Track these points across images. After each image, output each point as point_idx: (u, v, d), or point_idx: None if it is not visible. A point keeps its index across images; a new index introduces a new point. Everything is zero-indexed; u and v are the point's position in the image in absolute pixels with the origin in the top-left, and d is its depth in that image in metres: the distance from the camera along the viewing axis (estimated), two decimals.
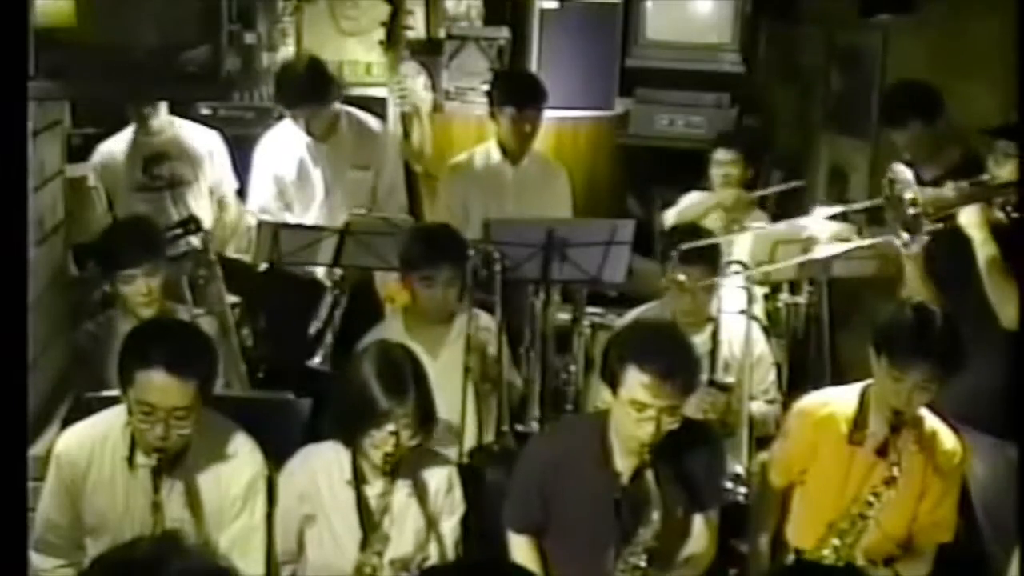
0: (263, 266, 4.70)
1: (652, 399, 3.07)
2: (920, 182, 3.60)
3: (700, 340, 3.99)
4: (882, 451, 3.29)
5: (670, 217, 5.26)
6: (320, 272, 4.69)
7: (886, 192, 3.51)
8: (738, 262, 4.22)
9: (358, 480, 3.23)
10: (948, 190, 3.54)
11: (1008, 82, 4.06)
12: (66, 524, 3.20)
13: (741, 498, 3.78)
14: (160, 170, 5.12)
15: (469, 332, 3.95)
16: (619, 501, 3.12)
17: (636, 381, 3.08)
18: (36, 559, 3.19)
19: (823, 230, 4.34)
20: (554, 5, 6.41)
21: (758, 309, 4.56)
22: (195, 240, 4.33)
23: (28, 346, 3.12)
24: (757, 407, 4.12)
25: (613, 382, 3.16)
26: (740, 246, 4.50)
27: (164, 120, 5.15)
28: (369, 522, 3.20)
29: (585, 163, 6.40)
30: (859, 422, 3.39)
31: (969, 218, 3.56)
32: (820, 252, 4.20)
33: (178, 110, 5.25)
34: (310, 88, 4.87)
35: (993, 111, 4.14)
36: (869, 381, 3.41)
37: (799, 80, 6.43)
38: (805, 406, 3.56)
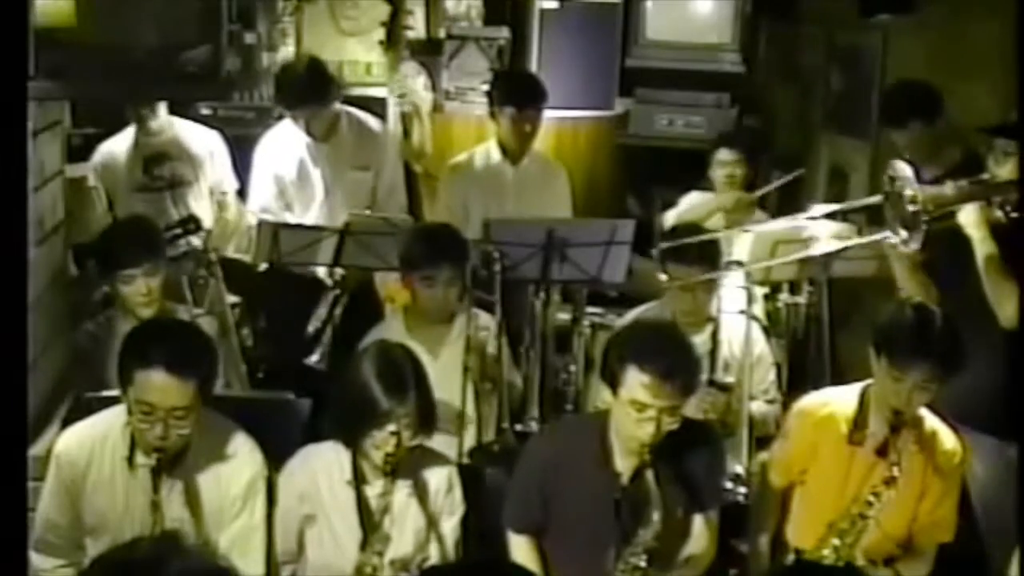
0: (263, 266, 4.71)
1: (652, 399, 3.07)
2: (920, 182, 3.60)
3: (700, 340, 3.99)
4: (882, 451, 3.29)
5: (670, 218, 5.26)
6: (321, 272, 4.69)
7: (886, 188, 3.50)
8: (737, 262, 4.22)
9: (358, 480, 3.23)
10: (948, 188, 3.54)
11: (1008, 82, 4.06)
12: (66, 524, 3.20)
13: (741, 498, 3.78)
14: (161, 170, 5.12)
15: (469, 332, 3.95)
16: (619, 501, 3.11)
17: (636, 381, 3.08)
18: (36, 559, 3.19)
19: (823, 230, 4.34)
20: (554, 5, 6.41)
21: (758, 309, 4.57)
22: (195, 240, 4.33)
23: (28, 346, 3.12)
24: (757, 407, 4.12)
25: (613, 382, 3.16)
26: (740, 246, 4.51)
27: (164, 120, 5.15)
28: (369, 522, 3.20)
29: (585, 163, 6.40)
30: (859, 422, 3.39)
31: (968, 217, 3.56)
32: (818, 248, 4.20)
33: (178, 110, 5.25)
34: (310, 88, 4.87)
35: (993, 111, 4.14)
36: (869, 381, 3.41)
37: (799, 80, 6.43)
38: (805, 406, 3.56)
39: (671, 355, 3.12)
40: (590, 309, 4.79)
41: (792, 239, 4.30)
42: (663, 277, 4.16)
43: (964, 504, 3.57)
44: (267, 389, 4.33)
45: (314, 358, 4.33)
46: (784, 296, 4.73)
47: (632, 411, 3.10)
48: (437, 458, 3.36)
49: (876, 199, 3.67)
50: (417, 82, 6.15)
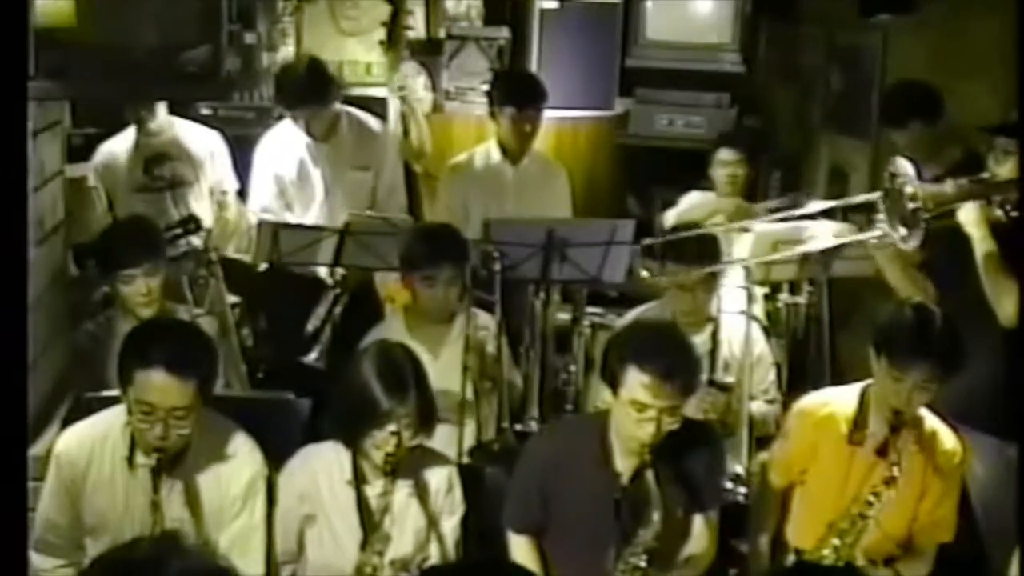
0: (263, 266, 4.71)
1: (652, 399, 3.07)
2: (920, 181, 3.60)
3: (700, 340, 3.99)
4: (882, 451, 3.29)
5: (670, 218, 5.26)
6: (322, 272, 4.70)
7: (886, 185, 3.50)
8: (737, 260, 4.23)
9: (358, 480, 3.23)
10: (948, 186, 3.54)
11: (1008, 81, 4.06)
12: (66, 524, 3.20)
13: (741, 498, 3.78)
14: (161, 171, 5.12)
15: (469, 332, 3.95)
16: (619, 501, 3.11)
17: (636, 381, 3.08)
18: (36, 559, 3.19)
19: (824, 231, 4.34)
20: (554, 5, 6.41)
21: (758, 309, 4.57)
22: (195, 240, 4.33)
23: (28, 346, 3.12)
24: (757, 407, 4.12)
25: (613, 382, 3.16)
26: (740, 247, 4.51)
27: (164, 120, 5.14)
28: (369, 522, 3.20)
29: (585, 163, 6.40)
30: (859, 422, 3.39)
31: (968, 216, 3.56)
32: (815, 245, 4.20)
33: (178, 110, 5.25)
34: (310, 88, 4.87)
35: (993, 111, 4.14)
36: (869, 381, 3.41)
37: (799, 80, 6.43)
38: (805, 406, 3.56)
39: (671, 355, 3.12)
40: (590, 309, 4.79)
41: (792, 239, 4.30)
42: (644, 274, 4.16)
43: (964, 504, 3.57)
44: (267, 389, 4.33)
45: (312, 356, 4.33)
46: (784, 296, 4.73)
47: (632, 411, 3.10)
48: (437, 458, 3.36)
49: (875, 195, 3.67)
50: (417, 82, 6.15)
